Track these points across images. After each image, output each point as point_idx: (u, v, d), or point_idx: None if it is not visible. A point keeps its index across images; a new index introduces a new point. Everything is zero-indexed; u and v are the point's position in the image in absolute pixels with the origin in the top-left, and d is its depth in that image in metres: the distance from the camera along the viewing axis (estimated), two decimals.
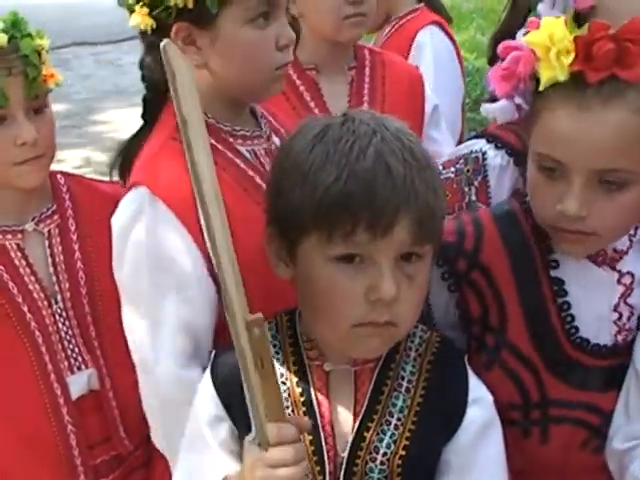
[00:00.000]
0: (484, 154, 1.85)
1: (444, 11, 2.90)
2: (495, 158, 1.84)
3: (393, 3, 2.76)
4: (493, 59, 1.94)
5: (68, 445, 1.78)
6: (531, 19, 1.53)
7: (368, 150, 1.32)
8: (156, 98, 1.70)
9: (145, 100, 1.76)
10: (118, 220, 1.63)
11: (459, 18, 8.46)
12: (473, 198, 1.83)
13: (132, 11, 1.64)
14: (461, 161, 1.86)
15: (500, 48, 1.50)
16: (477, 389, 1.44)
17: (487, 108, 1.55)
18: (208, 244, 1.22)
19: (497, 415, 1.45)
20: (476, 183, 1.84)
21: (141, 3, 1.61)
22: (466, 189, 1.84)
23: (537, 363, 1.57)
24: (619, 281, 1.57)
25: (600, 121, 1.38)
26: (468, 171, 1.85)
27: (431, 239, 1.37)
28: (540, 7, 1.78)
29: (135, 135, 1.77)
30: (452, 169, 1.87)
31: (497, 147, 1.84)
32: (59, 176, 1.88)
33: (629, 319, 1.57)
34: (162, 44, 1.18)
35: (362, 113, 1.41)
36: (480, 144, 1.86)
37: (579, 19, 1.73)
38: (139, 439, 1.84)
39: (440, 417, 1.40)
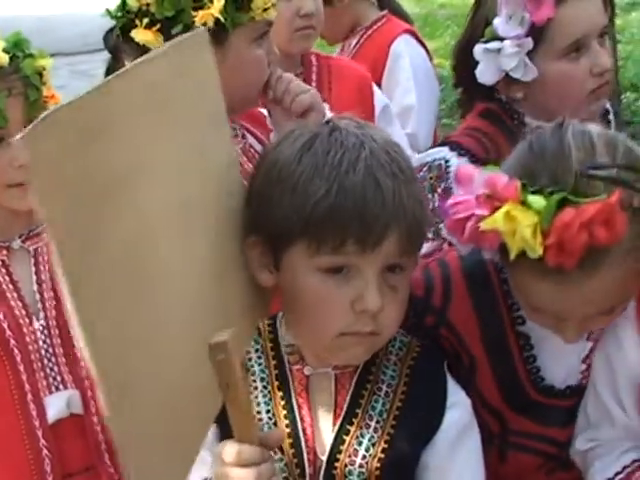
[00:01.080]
0: (447, 161, 1.86)
1: (408, 17, 2.94)
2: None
3: (358, 14, 2.78)
4: (456, 68, 1.98)
5: (42, 471, 1.72)
6: (456, 173, 1.36)
7: (358, 164, 1.31)
8: None
9: None
10: None
11: (434, 25, 8.52)
12: (437, 205, 1.84)
13: (128, 26, 1.67)
14: (425, 168, 1.87)
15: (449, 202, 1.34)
16: (455, 393, 1.45)
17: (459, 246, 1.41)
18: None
19: (474, 417, 1.46)
20: (439, 190, 1.84)
21: (146, 20, 1.63)
22: (430, 196, 1.84)
23: (503, 409, 1.57)
24: (589, 337, 1.51)
25: (587, 289, 1.30)
26: (431, 178, 1.86)
27: (417, 250, 1.39)
28: (496, 21, 1.76)
29: None
30: None
31: (460, 154, 1.85)
32: None
33: None
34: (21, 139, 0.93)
35: (348, 122, 1.39)
36: (443, 152, 1.88)
37: (536, 32, 1.77)
38: None
39: (419, 421, 1.41)
